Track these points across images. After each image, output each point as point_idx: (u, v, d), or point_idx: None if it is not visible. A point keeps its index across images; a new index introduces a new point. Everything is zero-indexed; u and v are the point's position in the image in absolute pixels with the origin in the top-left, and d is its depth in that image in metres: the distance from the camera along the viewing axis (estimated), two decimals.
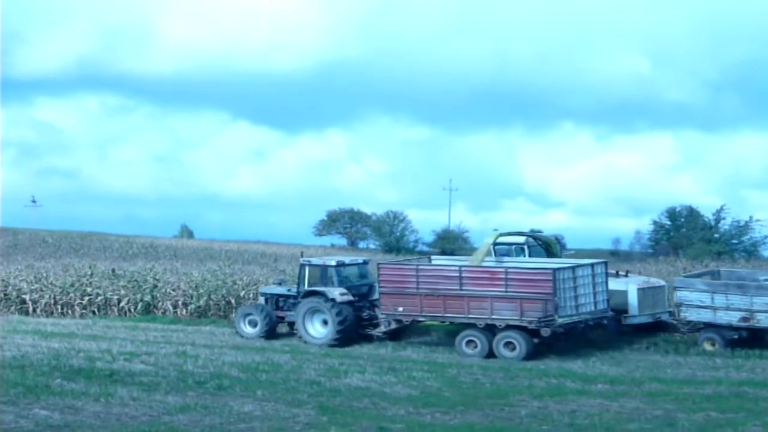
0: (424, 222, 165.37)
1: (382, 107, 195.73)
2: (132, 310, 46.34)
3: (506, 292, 33.65)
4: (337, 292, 37.12)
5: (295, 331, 38.14)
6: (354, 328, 37.20)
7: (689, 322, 35.27)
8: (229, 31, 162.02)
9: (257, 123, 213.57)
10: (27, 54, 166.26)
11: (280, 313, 39.25)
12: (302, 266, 38.85)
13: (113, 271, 51.02)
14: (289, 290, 39.66)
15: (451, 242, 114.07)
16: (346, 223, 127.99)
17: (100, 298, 46.81)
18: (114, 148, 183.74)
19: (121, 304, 46.47)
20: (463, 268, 35.24)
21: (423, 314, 35.64)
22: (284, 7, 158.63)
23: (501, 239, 38.23)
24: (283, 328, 39.46)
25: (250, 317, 39.06)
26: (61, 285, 47.81)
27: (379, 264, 37.86)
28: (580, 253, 45.24)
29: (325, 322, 37.09)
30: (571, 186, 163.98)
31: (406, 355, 33.72)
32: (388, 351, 34.71)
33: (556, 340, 34.14)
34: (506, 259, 37.57)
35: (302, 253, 45.39)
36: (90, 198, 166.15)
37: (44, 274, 49.96)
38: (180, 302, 46.06)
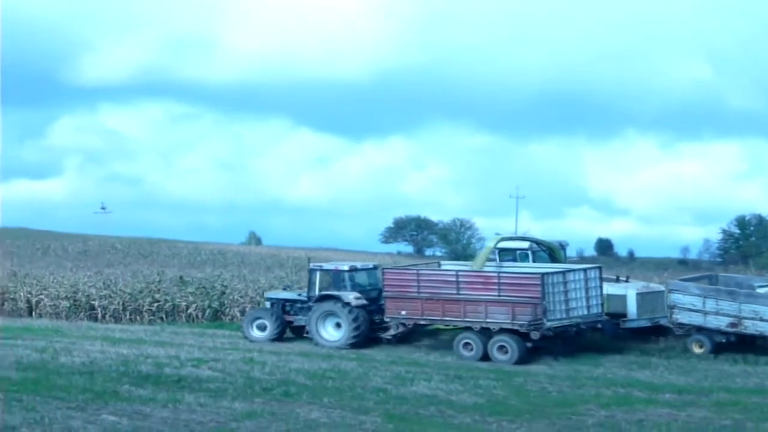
0: (491, 229, 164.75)
1: (444, 114, 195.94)
2: (200, 316, 46.64)
3: (499, 296, 34.22)
4: (351, 296, 37.50)
5: (306, 334, 38.39)
6: (367, 332, 37.46)
7: (681, 324, 35.86)
8: (291, 39, 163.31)
9: (320, 130, 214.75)
10: (94, 62, 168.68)
11: (287, 317, 39.59)
12: (312, 271, 39.31)
13: (181, 278, 51.41)
14: (299, 294, 39.97)
15: None
16: (412, 230, 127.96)
17: (168, 304, 47.15)
18: (179, 156, 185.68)
19: (189, 311, 46.78)
20: (459, 273, 35.84)
21: (424, 317, 36.19)
22: (346, 15, 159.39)
23: (506, 244, 38.69)
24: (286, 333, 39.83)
25: (259, 321, 39.38)
26: (130, 291, 48.20)
27: (384, 269, 38.52)
28: (648, 262, 45.07)
29: (338, 326, 37.41)
30: (636, 194, 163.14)
31: (472, 364, 33.68)
32: (454, 359, 34.68)
33: (549, 343, 34.35)
34: (507, 264, 37.83)
35: (309, 258, 45.66)
36: (156, 205, 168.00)
37: (113, 280, 50.45)
38: (247, 309, 46.23)
